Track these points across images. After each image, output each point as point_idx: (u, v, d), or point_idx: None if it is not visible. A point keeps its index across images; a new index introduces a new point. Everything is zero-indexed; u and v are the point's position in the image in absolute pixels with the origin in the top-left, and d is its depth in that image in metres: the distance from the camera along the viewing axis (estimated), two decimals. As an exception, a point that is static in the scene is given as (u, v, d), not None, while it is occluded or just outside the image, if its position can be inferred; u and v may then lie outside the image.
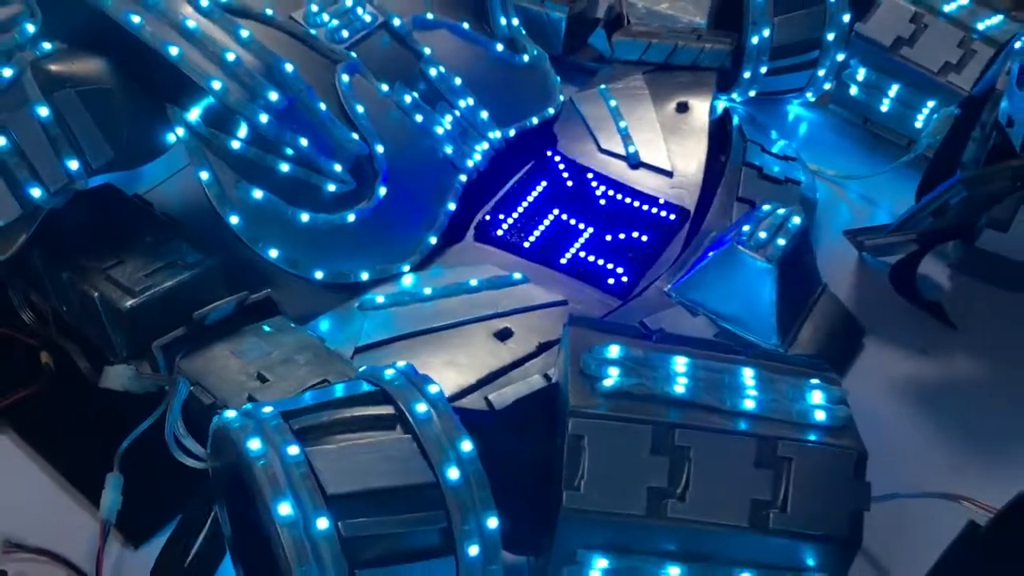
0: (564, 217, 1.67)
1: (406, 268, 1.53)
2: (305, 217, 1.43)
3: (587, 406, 0.97)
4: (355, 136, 1.50)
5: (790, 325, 1.50)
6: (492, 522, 0.93)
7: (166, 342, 1.24)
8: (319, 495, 0.87)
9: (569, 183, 1.74)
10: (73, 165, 1.27)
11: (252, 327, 1.32)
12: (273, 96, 1.38)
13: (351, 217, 1.47)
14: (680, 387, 1.01)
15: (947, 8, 1.90)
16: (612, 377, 1.01)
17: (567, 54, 2.17)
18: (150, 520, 1.19)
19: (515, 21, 1.91)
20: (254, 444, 0.89)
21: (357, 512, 0.88)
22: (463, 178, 1.66)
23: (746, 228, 1.49)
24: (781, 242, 1.47)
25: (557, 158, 1.80)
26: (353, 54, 1.63)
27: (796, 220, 1.52)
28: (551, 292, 1.51)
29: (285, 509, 0.86)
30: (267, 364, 1.24)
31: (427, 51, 1.73)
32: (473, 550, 0.92)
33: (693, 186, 1.78)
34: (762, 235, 1.48)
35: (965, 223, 1.46)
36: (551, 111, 1.90)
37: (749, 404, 1.01)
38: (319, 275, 1.44)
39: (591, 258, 1.60)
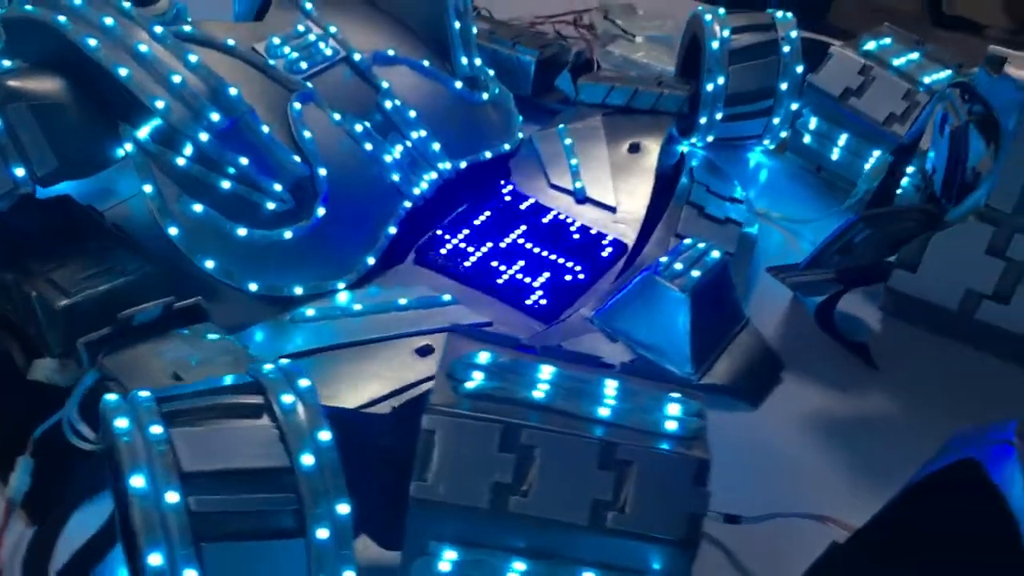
0: (503, 245, 1.74)
1: (341, 285, 1.60)
2: (242, 232, 1.51)
3: (443, 404, 1.03)
4: (297, 158, 1.58)
5: (705, 355, 1.55)
6: (343, 508, 0.99)
7: (91, 339, 1.32)
8: (174, 471, 0.94)
9: (512, 214, 1.81)
10: (19, 172, 1.37)
11: (178, 332, 1.39)
12: (215, 117, 1.48)
13: (288, 234, 1.55)
14: (539, 392, 1.06)
15: (896, 62, 1.96)
16: (475, 380, 1.06)
17: (536, 96, 2.26)
18: (57, 502, 1.26)
19: (477, 61, 2.00)
20: (121, 423, 0.97)
21: (210, 490, 0.95)
22: (407, 204, 1.74)
23: (664, 259, 1.55)
24: (696, 273, 1.52)
25: (506, 189, 1.88)
26: (309, 84, 1.72)
27: (715, 254, 1.58)
28: (478, 314, 1.57)
29: (138, 481, 0.92)
30: (184, 365, 1.31)
31: (385, 85, 1.83)
32: (323, 533, 0.98)
33: (635, 222, 1.84)
34: (678, 266, 1.53)
35: (875, 262, 1.50)
36: (507, 147, 1.98)
37: (604, 412, 1.06)
38: (253, 287, 1.52)
39: (525, 282, 1.66)
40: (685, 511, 1.01)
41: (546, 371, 1.11)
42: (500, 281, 1.68)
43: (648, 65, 2.46)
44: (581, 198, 1.89)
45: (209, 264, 1.49)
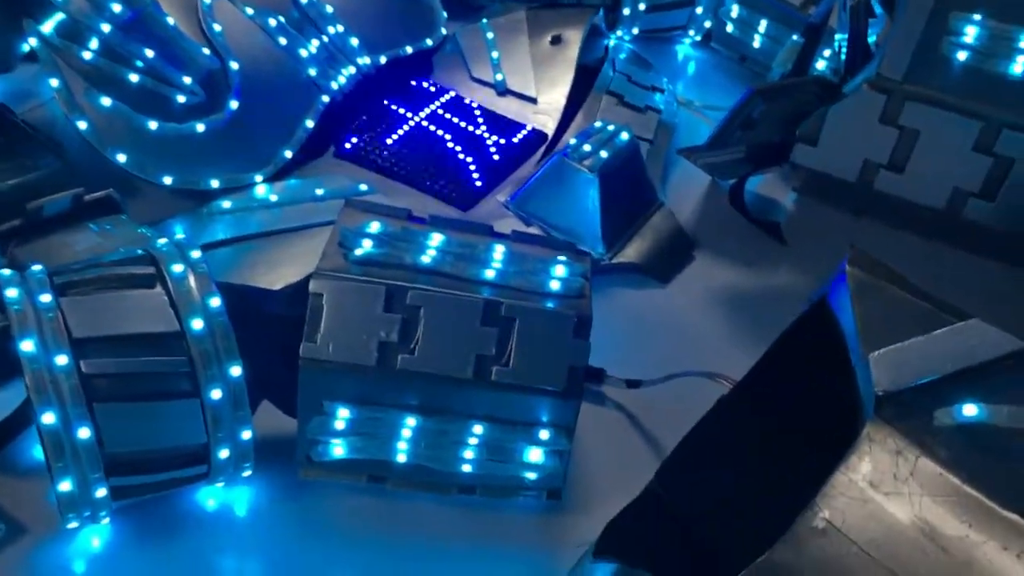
0: (421, 137, 1.76)
1: (259, 178, 1.61)
2: (153, 125, 1.52)
3: (330, 268, 1.06)
4: (207, 51, 1.58)
5: (617, 235, 1.59)
6: (235, 370, 1.03)
7: (1, 230, 1.34)
8: (64, 336, 0.97)
9: (432, 107, 1.82)
10: (-80, 67, 1.37)
11: (90, 223, 1.41)
12: (117, 8, 1.48)
13: (200, 127, 1.56)
14: (427, 258, 1.10)
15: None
16: (364, 247, 1.09)
17: (464, -8, 2.24)
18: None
19: (396, -44, 1.99)
20: (11, 292, 0.99)
21: (100, 353, 0.98)
22: (325, 99, 1.74)
23: (573, 142, 1.57)
24: (604, 154, 1.55)
25: (426, 84, 1.88)
26: (220, -22, 1.71)
27: (624, 136, 1.60)
28: (395, 202, 1.59)
29: (27, 346, 0.95)
30: (95, 253, 1.33)
31: (300, -20, 1.81)
32: (216, 394, 1.02)
33: (556, 112, 1.86)
34: (587, 148, 1.56)
35: (778, 139, 1.53)
36: (429, 42, 1.98)
37: (490, 274, 1.10)
38: (168, 180, 1.53)
39: (440, 173, 1.68)
40: (566, 363, 1.06)
41: (436, 238, 1.14)
42: (419, 171, 1.69)
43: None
44: (502, 90, 1.90)
45: (121, 158, 1.50)
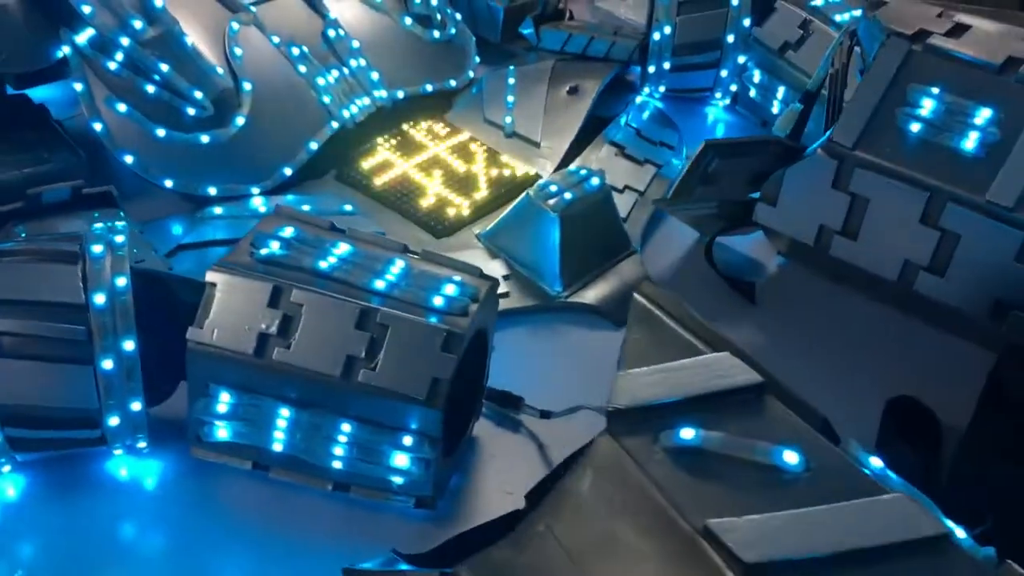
0: (416, 169, 1.85)
1: (256, 191, 1.74)
2: (161, 132, 1.67)
3: (230, 262, 1.15)
4: (221, 71, 1.73)
5: (576, 275, 1.63)
6: (129, 344, 1.13)
7: (3, 211, 1.50)
8: (-30, 296, 1.09)
9: (436, 142, 1.92)
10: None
11: (87, 214, 1.56)
12: (138, 24, 1.64)
13: (205, 138, 1.70)
14: (325, 263, 1.18)
15: (839, 17, 1.97)
16: (270, 248, 1.18)
17: (504, 41, 2.34)
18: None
19: (433, 1, 2.11)
20: (-59, 253, 1.12)
21: (6, 314, 1.09)
22: (335, 124, 1.86)
23: (542, 181, 1.63)
24: (568, 196, 1.60)
25: (438, 124, 1.98)
26: (253, 8, 1.87)
27: (594, 181, 1.65)
28: (373, 223, 1.69)
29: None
30: (80, 238, 1.47)
31: (332, 15, 1.96)
32: (108, 364, 1.12)
33: (556, 156, 1.93)
34: (553, 188, 1.61)
35: (744, 197, 1.54)
36: (453, 83, 2.09)
37: (380, 284, 1.16)
38: (169, 183, 1.67)
39: (430, 202, 1.77)
40: (430, 374, 1.11)
41: (342, 248, 1.22)
42: (405, 198, 1.78)
43: (628, 20, 2.51)
44: (509, 133, 1.98)
45: (128, 159, 1.65)
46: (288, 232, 1.22)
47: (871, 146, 1.40)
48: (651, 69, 2.14)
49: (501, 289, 1.60)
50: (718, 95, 2.20)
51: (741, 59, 2.11)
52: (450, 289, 1.18)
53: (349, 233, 1.26)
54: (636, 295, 0.91)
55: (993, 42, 1.41)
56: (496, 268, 1.65)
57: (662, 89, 2.19)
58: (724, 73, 2.14)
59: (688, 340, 0.84)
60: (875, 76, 1.42)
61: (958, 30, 1.44)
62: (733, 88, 2.17)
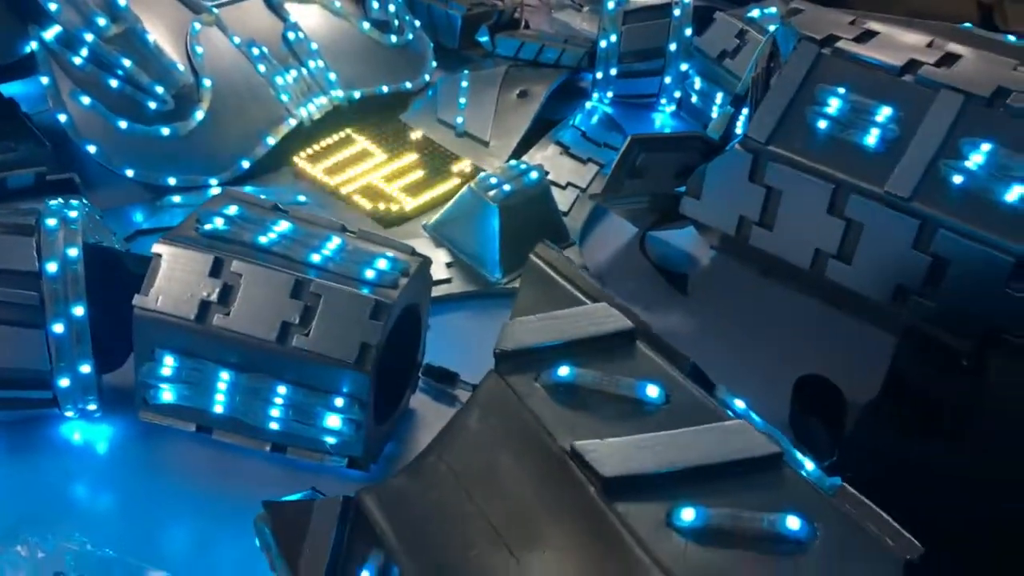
0: (369, 164, 1.95)
1: (214, 181, 1.83)
2: (123, 124, 1.76)
3: (175, 236, 1.24)
4: (182, 68, 1.82)
5: (516, 263, 1.71)
6: (78, 310, 1.21)
7: (-31, 195, 1.58)
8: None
9: (393, 140, 2.02)
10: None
11: (50, 199, 1.64)
12: (102, 22, 1.73)
13: (165, 131, 1.79)
14: (265, 239, 1.26)
15: (772, 27, 2.08)
16: (214, 224, 1.27)
17: (462, 48, 2.45)
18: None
19: (391, 7, 2.21)
20: (-85, 224, 1.21)
21: (-40, 280, 1.18)
22: (292, 121, 1.96)
23: (483, 174, 1.73)
24: (508, 187, 1.70)
25: (394, 121, 2.08)
26: (216, 10, 1.96)
27: (533, 175, 1.74)
28: (324, 213, 1.77)
29: (-91, 264, 1.16)
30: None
31: (292, 19, 2.05)
32: (59, 328, 1.21)
33: (504, 154, 2.03)
34: (493, 180, 1.71)
35: (672, 191, 1.64)
36: (408, 85, 2.19)
37: (316, 258, 1.25)
38: (130, 173, 1.76)
39: (380, 194, 1.86)
40: (359, 340, 1.20)
41: (283, 225, 1.31)
42: (356, 191, 1.88)
43: (583, 31, 2.63)
44: (460, 132, 2.08)
45: (92, 149, 1.74)
46: (232, 210, 1.31)
47: (783, 142, 1.51)
48: (599, 75, 2.25)
49: (444, 275, 1.71)
50: (663, 101, 2.31)
51: (683, 67, 2.22)
52: (382, 264, 1.27)
53: (290, 213, 1.35)
54: (531, 255, 1.00)
55: (897, 46, 1.51)
56: (440, 256, 1.74)
57: (610, 95, 2.29)
58: (668, 80, 2.25)
59: (572, 294, 0.93)
60: (787, 77, 1.52)
61: (866, 36, 1.54)
62: (677, 94, 2.28)
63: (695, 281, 1.81)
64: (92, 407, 1.30)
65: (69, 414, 1.31)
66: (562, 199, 1.90)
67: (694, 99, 2.23)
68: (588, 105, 2.27)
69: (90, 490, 1.32)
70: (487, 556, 0.78)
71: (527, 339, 0.86)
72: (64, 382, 1.24)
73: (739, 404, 0.88)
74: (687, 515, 0.73)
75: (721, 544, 0.71)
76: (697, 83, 2.19)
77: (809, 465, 0.83)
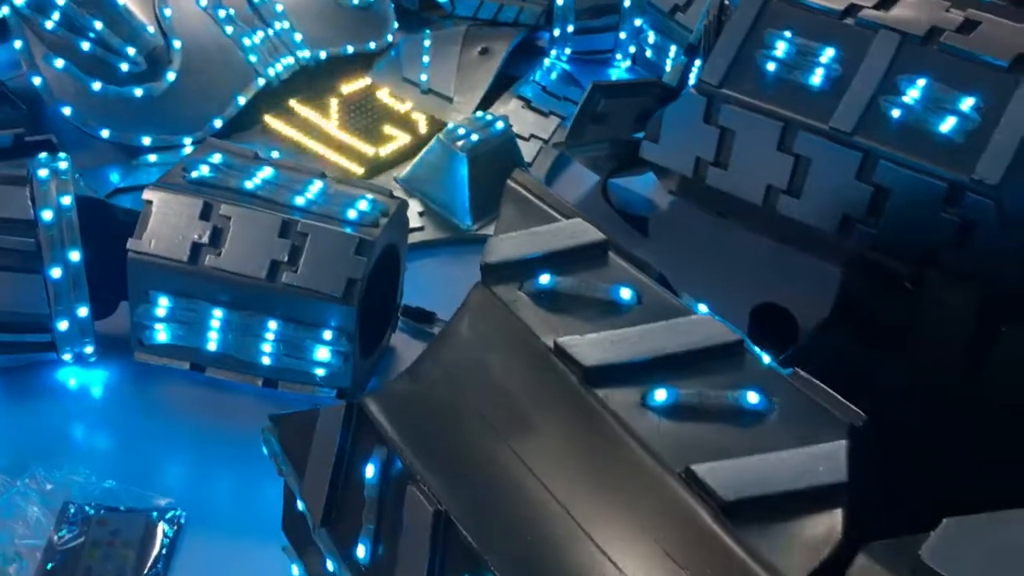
0: (340, 121, 2.01)
1: (187, 140, 1.88)
2: (97, 86, 1.80)
3: (164, 182, 1.31)
4: (152, 30, 1.87)
5: (484, 211, 1.80)
6: (75, 255, 1.27)
7: (-52, 156, 1.62)
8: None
9: (359, 98, 2.09)
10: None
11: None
12: (73, -15, 1.77)
13: (138, 92, 1.84)
14: (250, 184, 1.33)
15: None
16: (200, 171, 1.34)
17: (422, 8, 2.51)
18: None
19: (353, -31, 2.27)
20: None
21: (-41, 227, 1.23)
22: (261, 81, 2.01)
23: (451, 125, 1.81)
24: (475, 138, 1.78)
25: (360, 78, 2.14)
26: (180, -28, 2.01)
27: (499, 125, 1.82)
28: (298, 164, 1.84)
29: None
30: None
31: (256, -19, 2.10)
32: (56, 272, 1.27)
33: (468, 109, 2.10)
34: (460, 131, 1.79)
35: (632, 137, 1.73)
36: (372, 45, 2.25)
37: (300, 200, 1.32)
38: (105, 134, 1.81)
39: (352, 147, 1.93)
40: (345, 275, 1.27)
41: (267, 171, 1.38)
42: (329, 148, 1.94)
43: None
44: (425, 89, 2.15)
45: (67, 111, 1.78)
46: (216, 159, 1.38)
47: (735, 84, 1.60)
48: (556, 32, 2.33)
49: (416, 223, 1.79)
50: (619, 56, 2.39)
51: (637, 22, 2.30)
52: (363, 205, 1.35)
53: (272, 160, 1.42)
54: (509, 181, 1.08)
55: (840, -7, 1.61)
56: (413, 207, 1.81)
57: (568, 51, 2.37)
58: (623, 35, 2.33)
59: (548, 212, 1.01)
60: (736, 23, 1.61)
61: (813, -16, 1.64)
62: (632, 50, 2.36)
63: (655, 224, 1.91)
64: (89, 349, 1.36)
65: (67, 357, 1.37)
66: (526, 150, 1.98)
67: (648, 53, 2.31)
68: (547, 62, 2.35)
69: (90, 430, 1.39)
70: (482, 443, 0.86)
71: (510, 253, 0.95)
72: (63, 325, 1.31)
73: (702, 308, 0.97)
74: (660, 395, 0.82)
75: (690, 419, 0.81)
76: (651, 37, 2.28)
77: (767, 358, 0.93)
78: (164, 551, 1.18)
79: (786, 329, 1.56)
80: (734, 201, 1.70)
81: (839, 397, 0.85)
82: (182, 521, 1.22)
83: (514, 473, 0.84)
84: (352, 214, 1.32)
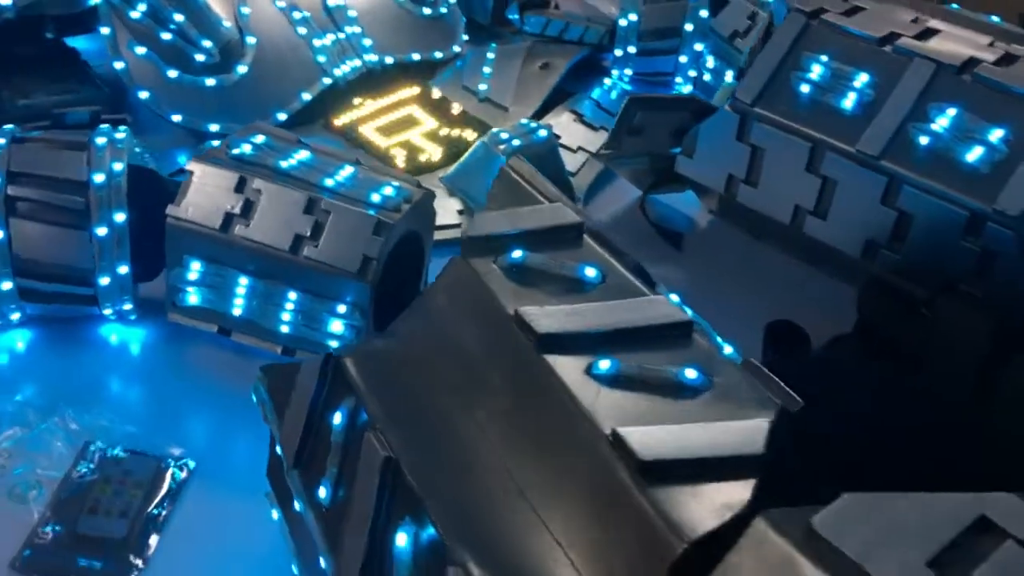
0: (396, 122, 2.11)
1: (252, 131, 2.00)
2: (173, 74, 1.94)
3: (207, 156, 1.41)
4: (228, 25, 2.00)
5: (521, 214, 1.86)
6: (120, 216, 1.38)
7: (33, 127, 1.76)
8: (3, 167, 1.35)
9: (420, 102, 2.18)
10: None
11: (103, 134, 1.82)
12: (160, -20, 1.92)
13: (210, 82, 1.97)
14: (286, 163, 1.42)
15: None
16: (242, 149, 1.44)
17: (494, 23, 2.60)
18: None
19: (427, -19, 2.38)
20: (-18, 135, 1.39)
21: (24, 184, 1.36)
22: (327, 80, 2.12)
23: (494, 130, 1.88)
24: (516, 143, 1.84)
25: (421, 86, 2.24)
26: (262, -24, 2.14)
27: (542, 133, 1.89)
28: (337, 151, 1.93)
29: (-28, 168, 1.34)
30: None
31: (332, -14, 2.23)
32: (102, 231, 1.38)
33: (521, 119, 2.17)
34: (503, 136, 1.86)
35: (662, 150, 1.77)
36: (439, 55, 2.35)
37: (329, 182, 1.41)
38: (177, 118, 1.94)
39: (403, 148, 2.03)
40: (362, 252, 1.35)
41: (303, 154, 1.47)
42: (384, 144, 2.04)
43: (612, 15, 2.75)
44: (482, 98, 2.23)
45: (144, 95, 1.92)
46: (259, 139, 1.47)
47: (768, 103, 1.63)
48: (618, 52, 2.39)
49: (455, 221, 1.86)
50: (679, 80, 2.43)
51: (698, 47, 2.34)
52: (388, 191, 1.42)
53: (311, 145, 1.51)
54: (505, 166, 1.15)
55: (881, 20, 1.63)
56: (453, 204, 1.89)
57: (629, 72, 2.42)
58: (683, 59, 2.38)
59: (533, 195, 1.07)
60: (775, 44, 1.64)
61: (853, 10, 1.66)
62: (692, 73, 2.40)
63: (689, 239, 1.94)
64: (128, 307, 1.47)
65: (108, 312, 1.48)
66: (571, 161, 2.04)
67: (707, 77, 2.34)
68: (607, 81, 2.40)
69: (120, 381, 1.49)
70: (441, 400, 0.92)
71: (490, 228, 1.01)
72: (104, 280, 1.41)
73: (674, 297, 1.01)
74: (604, 365, 0.86)
75: (628, 388, 0.85)
76: (710, 62, 2.31)
77: (728, 349, 0.96)
78: (170, 494, 1.26)
79: (796, 341, 1.57)
80: (766, 221, 1.73)
81: (784, 386, 0.87)
82: (191, 468, 1.30)
83: (465, 430, 0.90)
84: (376, 198, 1.40)
